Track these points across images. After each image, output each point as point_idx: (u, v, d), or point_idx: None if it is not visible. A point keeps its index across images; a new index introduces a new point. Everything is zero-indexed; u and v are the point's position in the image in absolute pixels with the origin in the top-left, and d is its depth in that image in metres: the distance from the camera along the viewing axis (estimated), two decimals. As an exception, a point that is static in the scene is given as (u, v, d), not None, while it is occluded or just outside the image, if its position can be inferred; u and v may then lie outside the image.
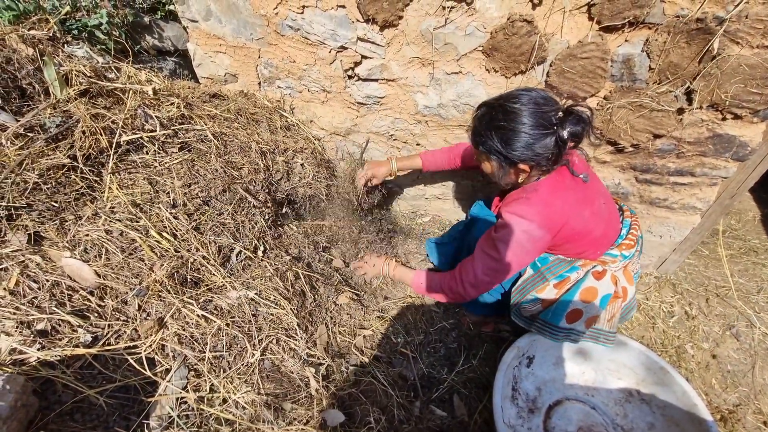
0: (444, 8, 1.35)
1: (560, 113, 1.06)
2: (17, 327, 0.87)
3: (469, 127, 1.22)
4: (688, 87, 1.32)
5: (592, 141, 1.17)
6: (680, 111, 1.38)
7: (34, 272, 0.95)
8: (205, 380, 1.03)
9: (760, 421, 1.48)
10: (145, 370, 0.96)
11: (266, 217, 1.41)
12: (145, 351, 0.99)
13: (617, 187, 1.71)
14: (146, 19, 1.92)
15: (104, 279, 1.02)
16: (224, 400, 1.03)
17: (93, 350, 0.93)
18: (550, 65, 1.40)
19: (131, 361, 0.96)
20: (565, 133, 1.05)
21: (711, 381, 1.61)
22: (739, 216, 2.74)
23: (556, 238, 1.18)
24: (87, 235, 1.05)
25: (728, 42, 1.20)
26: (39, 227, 1.00)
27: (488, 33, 1.38)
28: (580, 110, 1.06)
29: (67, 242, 1.02)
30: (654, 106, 1.37)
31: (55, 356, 0.88)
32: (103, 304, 1.00)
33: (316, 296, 1.43)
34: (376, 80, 1.64)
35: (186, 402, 0.98)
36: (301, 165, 1.75)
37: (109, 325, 0.98)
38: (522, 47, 1.35)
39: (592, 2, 1.22)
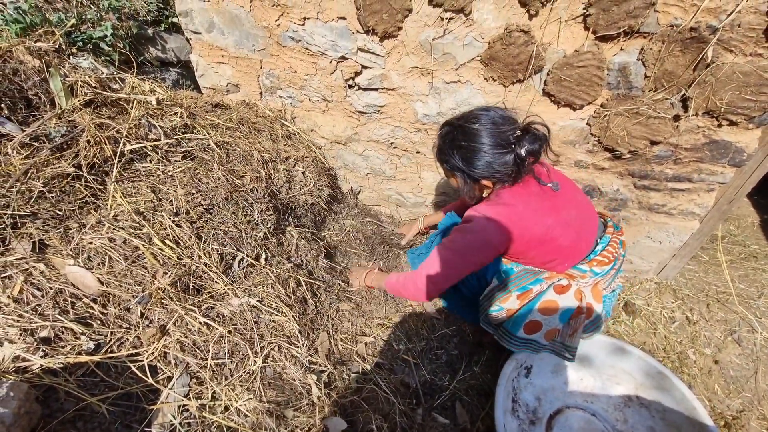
0: (442, 19, 1.38)
1: (518, 132, 1.11)
2: (21, 334, 0.88)
3: (434, 145, 1.27)
4: (684, 94, 1.34)
5: (549, 157, 1.20)
6: (676, 118, 1.40)
7: (38, 280, 0.96)
8: (207, 388, 1.03)
9: (764, 427, 1.47)
10: (147, 377, 0.96)
11: (268, 225, 1.42)
12: (147, 358, 0.99)
13: (616, 194, 1.73)
14: (150, 31, 1.96)
15: (107, 286, 1.03)
16: (226, 408, 1.03)
17: (96, 357, 0.93)
18: (548, 74, 1.42)
19: (133, 368, 0.96)
20: (522, 151, 1.10)
21: (714, 387, 1.61)
22: (737, 221, 2.75)
23: (517, 243, 1.18)
24: (91, 242, 1.06)
25: (722, 50, 1.22)
26: (43, 235, 1.01)
27: (486, 43, 1.41)
28: (537, 128, 1.11)
29: (70, 250, 1.03)
30: (650, 113, 1.39)
31: (58, 364, 0.88)
32: (106, 311, 1.01)
33: (317, 303, 1.43)
34: (376, 89, 1.66)
35: (188, 410, 0.98)
36: (302, 173, 1.77)
37: (111, 332, 0.99)
38: (519, 57, 1.38)
39: (587, 12, 1.25)
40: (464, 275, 1.28)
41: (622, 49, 1.32)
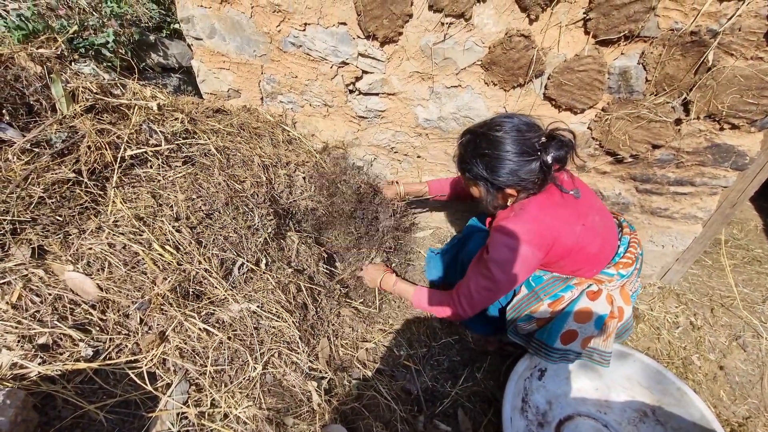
0: (443, 24, 1.39)
1: (543, 138, 1.08)
2: (18, 341, 0.87)
3: (454, 154, 1.25)
4: (685, 98, 1.33)
5: (576, 163, 1.17)
6: (678, 121, 1.40)
7: (37, 286, 0.96)
8: (207, 395, 1.02)
9: (772, 435, 1.45)
10: (146, 384, 0.95)
11: (268, 230, 1.41)
12: (146, 365, 0.98)
13: (618, 198, 1.72)
14: (152, 37, 1.97)
15: (106, 292, 1.02)
16: (225, 415, 1.02)
17: (94, 364, 0.92)
18: (548, 78, 1.42)
19: (132, 375, 0.95)
20: (549, 158, 1.07)
21: (719, 393, 1.59)
22: (741, 225, 2.74)
23: (549, 255, 1.17)
24: (90, 248, 1.05)
25: (723, 54, 1.22)
26: (43, 241, 1.01)
27: (486, 48, 1.41)
28: (563, 134, 1.09)
29: (70, 256, 1.03)
30: (652, 117, 1.38)
31: (56, 371, 0.88)
32: (105, 317, 1.00)
33: (318, 309, 1.42)
34: (377, 94, 1.66)
35: (187, 417, 0.97)
36: (303, 178, 1.76)
37: (110, 339, 0.98)
38: (520, 61, 1.38)
39: (587, 17, 1.25)
40: (504, 294, 1.26)
41: (622, 54, 1.32)
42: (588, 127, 1.52)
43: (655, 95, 1.36)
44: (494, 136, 1.09)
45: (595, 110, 1.48)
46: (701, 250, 1.85)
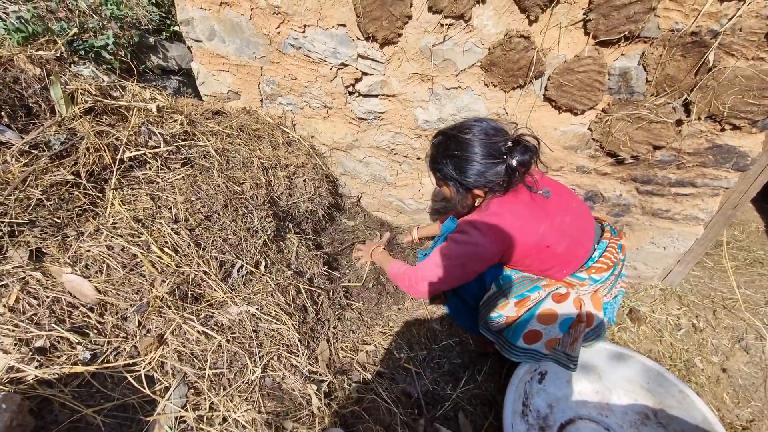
0: (442, 26, 1.38)
1: (509, 143, 1.13)
2: (15, 344, 0.86)
3: (426, 154, 1.29)
4: (686, 99, 1.33)
5: (539, 169, 1.21)
6: (679, 122, 1.39)
7: (35, 289, 0.95)
8: (205, 398, 1.01)
9: (775, 438, 1.44)
10: (144, 388, 0.95)
11: (268, 232, 1.41)
12: (144, 368, 0.97)
13: (619, 199, 1.71)
14: (151, 39, 1.97)
15: (105, 295, 1.01)
16: (224, 419, 1.01)
17: (92, 368, 0.91)
18: (548, 79, 1.42)
19: (130, 378, 0.95)
20: (513, 162, 1.11)
21: (722, 396, 1.57)
22: (742, 227, 2.73)
23: (509, 252, 1.19)
24: (88, 251, 1.05)
25: (723, 54, 1.22)
26: (41, 243, 1.00)
27: (486, 49, 1.40)
28: (528, 140, 1.14)
29: (68, 258, 1.02)
30: (652, 117, 1.38)
31: (53, 374, 0.87)
32: (102, 320, 0.99)
33: (317, 311, 1.41)
34: (377, 96, 1.66)
35: (185, 421, 0.96)
36: (303, 180, 1.76)
37: (108, 342, 0.97)
38: (520, 62, 1.38)
39: (587, 18, 1.25)
40: (458, 283, 1.30)
41: (622, 54, 1.32)
42: (588, 128, 1.51)
43: (656, 96, 1.36)
44: (463, 139, 1.14)
45: (595, 111, 1.47)
46: (703, 252, 1.84)
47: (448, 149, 1.18)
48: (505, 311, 1.27)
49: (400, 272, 1.45)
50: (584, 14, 1.25)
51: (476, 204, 1.28)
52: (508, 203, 1.19)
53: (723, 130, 1.38)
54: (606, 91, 1.40)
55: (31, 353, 0.87)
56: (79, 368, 0.90)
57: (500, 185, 1.16)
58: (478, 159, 1.13)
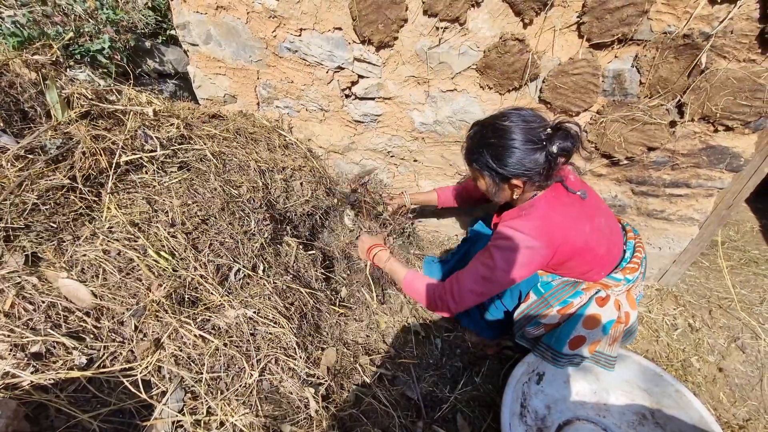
0: (438, 29, 1.39)
1: (549, 129, 1.09)
2: (11, 350, 0.86)
3: (462, 146, 1.25)
4: (679, 100, 1.34)
5: (582, 156, 1.18)
6: (672, 124, 1.41)
7: (30, 293, 0.94)
8: (202, 402, 1.01)
9: (772, 437, 1.45)
10: (141, 392, 0.94)
11: (265, 235, 1.41)
12: (141, 373, 0.97)
13: (614, 200, 1.72)
14: (147, 43, 1.97)
15: (101, 299, 1.01)
16: (222, 424, 1.00)
17: (88, 373, 0.91)
18: (543, 82, 1.43)
19: (126, 383, 0.94)
20: (554, 148, 1.07)
21: (719, 395, 1.58)
22: (737, 227, 2.75)
23: (557, 255, 1.17)
24: (85, 255, 1.04)
25: (715, 56, 1.23)
26: (36, 248, 1.00)
27: (481, 52, 1.41)
28: (569, 126, 1.09)
29: (64, 263, 1.01)
30: (646, 119, 1.39)
31: (49, 380, 0.86)
32: (99, 325, 0.99)
33: (315, 314, 1.41)
34: (373, 99, 1.67)
35: (182, 426, 0.96)
36: (300, 183, 1.76)
37: (104, 346, 0.97)
38: (515, 65, 1.39)
39: (581, 21, 1.26)
40: (500, 291, 1.24)
41: (616, 57, 1.33)
42: (583, 130, 1.52)
43: (650, 98, 1.37)
44: (501, 125, 1.10)
45: (590, 113, 1.48)
46: (698, 252, 1.85)
47: (485, 137, 1.14)
48: (547, 319, 1.24)
49: (425, 287, 1.33)
50: (578, 17, 1.26)
51: (514, 197, 1.22)
52: (552, 203, 1.16)
53: (716, 131, 1.40)
54: (600, 93, 1.41)
55: (26, 359, 0.86)
56: (75, 373, 0.89)
57: (540, 174, 1.11)
58: (517, 145, 1.08)
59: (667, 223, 1.74)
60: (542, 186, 1.16)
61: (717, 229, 1.74)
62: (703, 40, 1.20)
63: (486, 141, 1.13)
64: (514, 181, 1.14)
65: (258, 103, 1.84)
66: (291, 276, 1.43)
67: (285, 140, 1.83)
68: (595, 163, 1.62)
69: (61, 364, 0.90)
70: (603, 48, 1.31)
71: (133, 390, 0.94)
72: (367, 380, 1.37)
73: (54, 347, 0.91)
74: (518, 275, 1.17)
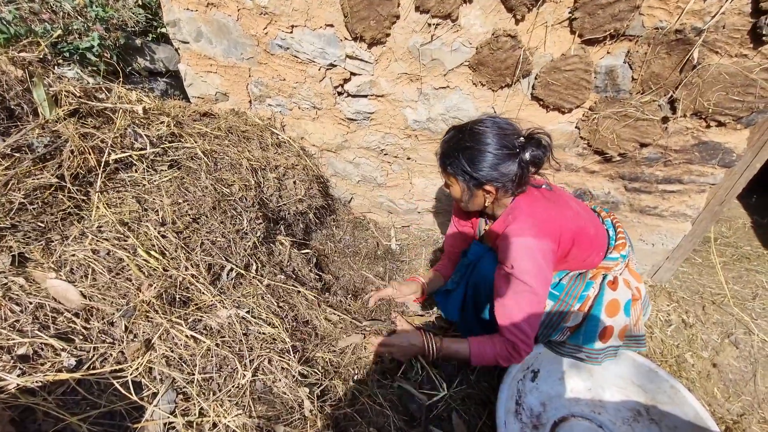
0: (430, 25, 1.39)
1: (522, 138, 1.12)
2: (-3, 352, 0.84)
3: (436, 152, 1.25)
4: (671, 96, 1.34)
5: (553, 166, 1.20)
6: (665, 120, 1.41)
7: (17, 294, 0.93)
8: (194, 404, 0.99)
9: (766, 431, 1.45)
10: (131, 394, 0.93)
11: (257, 234, 1.39)
12: (131, 374, 0.95)
13: (607, 197, 1.72)
14: (138, 41, 1.95)
15: (90, 300, 0.99)
16: (214, 425, 0.99)
17: (77, 375, 0.89)
18: (536, 78, 1.42)
19: (117, 385, 0.93)
20: (527, 156, 1.10)
21: (713, 390, 1.59)
22: (729, 223, 2.77)
23: (561, 246, 1.17)
24: (73, 255, 1.03)
25: (707, 51, 1.23)
26: (24, 248, 0.98)
27: (474, 48, 1.41)
28: (541, 136, 1.12)
29: (52, 263, 1.00)
30: (639, 115, 1.39)
31: (37, 382, 0.85)
32: (88, 326, 0.97)
33: (308, 313, 1.40)
34: (366, 96, 1.66)
35: (174, 427, 0.94)
36: (293, 182, 1.75)
37: (94, 348, 0.95)
38: (507, 61, 1.38)
39: (573, 16, 1.26)
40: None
41: (608, 53, 1.33)
42: (576, 127, 1.52)
43: (642, 94, 1.37)
44: (477, 129, 1.13)
45: (582, 110, 1.48)
46: (691, 248, 1.86)
47: (461, 141, 1.15)
48: (571, 322, 1.24)
49: (492, 350, 1.22)
50: (570, 13, 1.26)
51: (486, 204, 1.23)
52: (532, 200, 1.18)
53: (708, 126, 1.40)
54: (593, 89, 1.41)
55: (12, 361, 0.85)
56: (64, 375, 0.88)
57: (512, 181, 1.13)
58: (492, 149, 1.10)
59: (659, 220, 1.74)
60: (515, 193, 1.19)
61: (709, 225, 1.75)
62: (695, 35, 1.20)
63: (462, 145, 1.15)
64: (487, 187, 1.16)
65: (250, 101, 1.82)
66: (284, 275, 1.41)
67: (277, 138, 1.82)
68: (588, 160, 1.62)
69: (49, 366, 0.88)
70: (595, 44, 1.31)
71: (123, 392, 0.92)
72: (362, 379, 1.36)
73: (42, 349, 0.90)
74: (548, 277, 1.15)
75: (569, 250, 1.20)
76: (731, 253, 2.40)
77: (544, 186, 1.25)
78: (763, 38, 1.16)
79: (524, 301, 1.14)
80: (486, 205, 1.23)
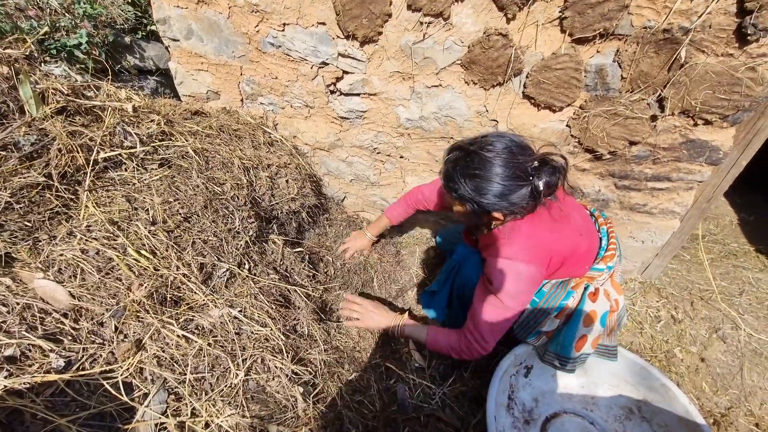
0: (422, 24, 1.39)
1: (536, 162, 1.04)
2: (-17, 354, 0.83)
3: (440, 170, 1.17)
4: (660, 95, 1.36)
5: (566, 191, 1.15)
6: (653, 118, 1.43)
7: (4, 295, 0.91)
8: (187, 404, 0.99)
9: (752, 423, 1.48)
10: (122, 395, 0.92)
11: (250, 233, 1.39)
12: (121, 375, 0.94)
13: (598, 194, 1.74)
14: (127, 39, 1.93)
15: (79, 300, 0.98)
16: (207, 425, 0.98)
17: (66, 376, 0.88)
18: (527, 77, 1.43)
19: (107, 386, 0.91)
20: (540, 184, 1.03)
21: (701, 385, 1.62)
22: (716, 221, 2.82)
23: (550, 268, 1.17)
24: (61, 254, 1.01)
25: (694, 51, 1.25)
26: (10, 248, 0.96)
27: (466, 47, 1.41)
28: (556, 159, 1.05)
29: (40, 263, 0.98)
30: (628, 113, 1.41)
31: (24, 384, 0.83)
32: (77, 326, 0.96)
33: (301, 312, 1.40)
34: (358, 95, 1.65)
35: (166, 428, 0.94)
36: (286, 181, 1.74)
37: (83, 348, 0.94)
38: (499, 60, 1.39)
39: (563, 15, 1.27)
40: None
41: (598, 52, 1.34)
42: (567, 125, 1.54)
43: (631, 92, 1.39)
44: (485, 157, 1.03)
45: (573, 108, 1.50)
46: (679, 245, 1.89)
47: (468, 167, 1.05)
48: (547, 327, 1.25)
49: (447, 341, 1.29)
50: (560, 12, 1.27)
51: (491, 226, 1.19)
52: (534, 220, 1.14)
53: (696, 125, 1.42)
54: (583, 88, 1.42)
55: (-1, 362, 0.83)
56: (53, 376, 0.86)
57: (524, 209, 1.07)
58: (500, 180, 1.02)
59: (649, 217, 1.77)
60: (523, 216, 1.13)
61: (697, 223, 1.78)
62: (683, 34, 1.22)
63: (468, 172, 1.06)
64: (495, 214, 1.10)
65: (242, 100, 1.81)
66: (276, 274, 1.41)
67: (270, 137, 1.81)
68: (578, 158, 1.64)
69: (37, 368, 0.87)
70: (585, 43, 1.33)
71: (113, 392, 0.91)
72: (355, 377, 1.36)
73: (30, 350, 0.88)
74: (526, 299, 1.18)
75: (557, 269, 1.21)
76: (719, 249, 2.45)
77: (550, 197, 1.15)
78: (748, 38, 1.18)
79: (494, 314, 1.16)
80: (492, 227, 1.20)
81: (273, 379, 1.15)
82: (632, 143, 1.50)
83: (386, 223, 1.79)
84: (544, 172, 1.03)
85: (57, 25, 1.64)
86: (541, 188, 1.03)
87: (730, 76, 1.25)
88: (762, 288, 2.09)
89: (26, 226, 1.01)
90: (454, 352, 1.26)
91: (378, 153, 1.88)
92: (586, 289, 1.24)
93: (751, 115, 1.37)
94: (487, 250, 1.20)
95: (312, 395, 1.19)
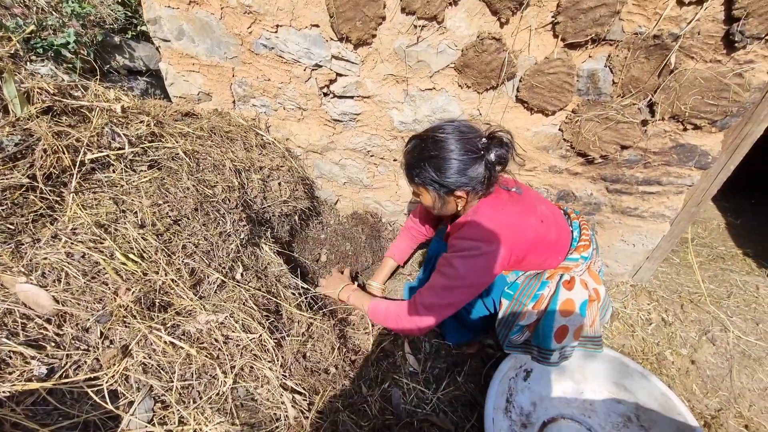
0: (416, 27, 1.39)
1: (484, 139, 1.13)
2: (-39, 361, 0.80)
3: (401, 163, 1.25)
4: (650, 99, 1.38)
5: (517, 162, 1.22)
6: (644, 122, 1.44)
7: (-16, 300, 0.88)
8: (174, 412, 0.96)
9: (742, 425, 1.49)
10: (107, 403, 0.89)
11: (241, 236, 1.36)
12: (107, 383, 0.91)
13: (590, 198, 1.75)
14: (117, 39, 1.90)
15: (63, 305, 0.95)
16: (195, 432, 0.96)
17: (48, 384, 0.85)
18: (520, 81, 1.44)
19: (91, 394, 0.89)
20: (492, 156, 1.12)
21: (692, 387, 1.63)
22: (705, 224, 2.86)
23: (514, 253, 1.18)
24: (45, 258, 0.98)
25: (684, 57, 1.27)
26: (-9, 252, 0.93)
27: (459, 50, 1.42)
28: (502, 135, 1.14)
29: (22, 267, 0.95)
30: (619, 118, 1.42)
31: (4, 392, 0.80)
32: (61, 332, 0.93)
33: (291, 318, 1.38)
34: (352, 97, 1.65)
35: (152, 436, 0.91)
36: (278, 183, 1.72)
37: (67, 355, 0.91)
38: (492, 64, 1.39)
39: (556, 21, 1.28)
40: (468, 302, 1.25)
41: (590, 57, 1.36)
42: (559, 129, 1.55)
43: (622, 97, 1.40)
44: (438, 137, 1.13)
45: (565, 112, 1.51)
46: (669, 248, 1.91)
47: (425, 150, 1.16)
48: (526, 319, 1.25)
49: (387, 310, 1.34)
50: (553, 17, 1.28)
51: (459, 208, 1.25)
52: (496, 205, 1.18)
53: (685, 129, 1.44)
54: (575, 92, 1.43)
55: (-22, 370, 0.80)
56: (34, 384, 0.84)
57: (481, 183, 1.15)
58: (457, 155, 1.11)
59: (640, 220, 1.78)
60: (485, 194, 1.20)
61: (687, 226, 1.80)
62: (672, 40, 1.23)
63: (426, 154, 1.15)
64: (458, 193, 1.17)
65: (234, 102, 1.79)
66: (267, 279, 1.39)
67: (262, 139, 1.79)
68: (571, 162, 1.65)
69: (18, 375, 0.84)
70: (577, 48, 1.34)
71: (98, 401, 0.89)
72: (347, 384, 1.34)
73: (10, 357, 0.85)
74: (481, 281, 1.19)
75: (524, 256, 1.22)
76: (707, 253, 2.48)
77: (513, 189, 1.25)
78: (735, 44, 1.20)
79: (445, 287, 1.20)
80: (459, 209, 1.26)
81: (262, 386, 1.13)
82: (623, 147, 1.51)
83: (392, 265, 1.77)
84: (494, 146, 1.13)
85: (44, 23, 1.61)
86: (493, 159, 1.12)
87: (718, 81, 1.27)
88: (749, 290, 2.12)
89: (8, 228, 0.98)
90: (392, 320, 1.31)
91: (371, 156, 1.87)
92: (561, 278, 1.24)
93: (738, 121, 1.39)
94: (452, 235, 1.25)
95: (305, 402, 1.16)
